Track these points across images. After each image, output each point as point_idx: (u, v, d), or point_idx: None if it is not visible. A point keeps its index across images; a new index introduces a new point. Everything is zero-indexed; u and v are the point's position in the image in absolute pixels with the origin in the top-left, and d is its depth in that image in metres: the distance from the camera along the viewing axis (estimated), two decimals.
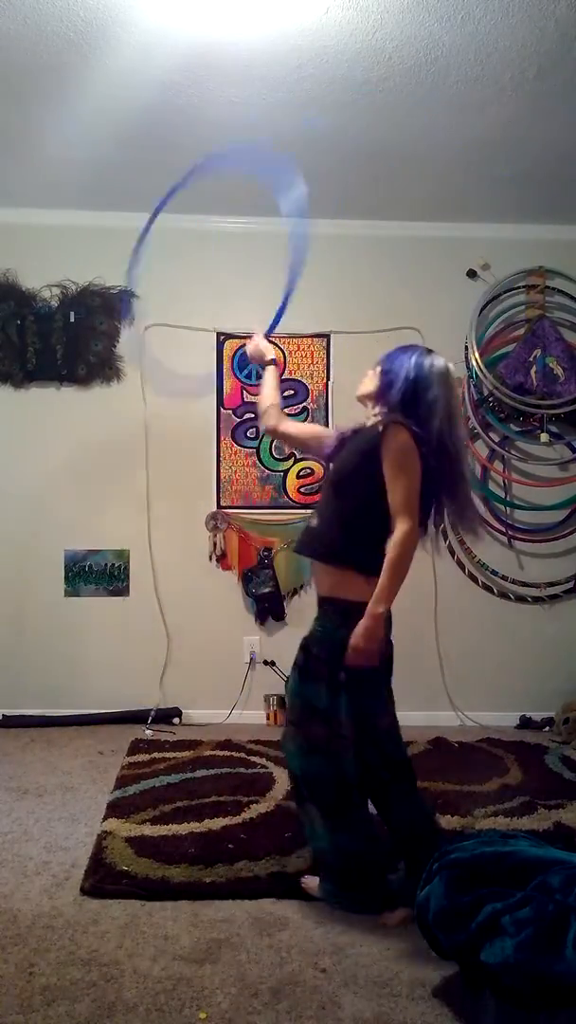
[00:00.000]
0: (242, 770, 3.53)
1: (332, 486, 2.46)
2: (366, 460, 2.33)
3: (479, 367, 4.33)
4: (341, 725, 2.32)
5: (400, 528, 2.23)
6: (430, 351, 2.47)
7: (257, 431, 4.49)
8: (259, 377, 4.41)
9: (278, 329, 4.41)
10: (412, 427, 2.32)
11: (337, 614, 2.34)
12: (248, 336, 4.57)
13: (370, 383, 2.50)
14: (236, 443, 4.49)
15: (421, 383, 2.37)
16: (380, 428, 2.33)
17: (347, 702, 2.32)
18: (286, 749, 2.47)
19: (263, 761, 3.65)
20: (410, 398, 2.37)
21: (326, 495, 2.51)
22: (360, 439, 2.42)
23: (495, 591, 4.53)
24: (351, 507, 2.36)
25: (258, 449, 4.49)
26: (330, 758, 2.33)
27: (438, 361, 2.42)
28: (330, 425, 4.47)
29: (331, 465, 2.55)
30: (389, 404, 2.41)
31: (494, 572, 4.50)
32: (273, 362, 2.88)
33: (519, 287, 4.51)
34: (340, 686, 2.31)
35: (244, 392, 4.49)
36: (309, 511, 4.44)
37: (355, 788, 2.36)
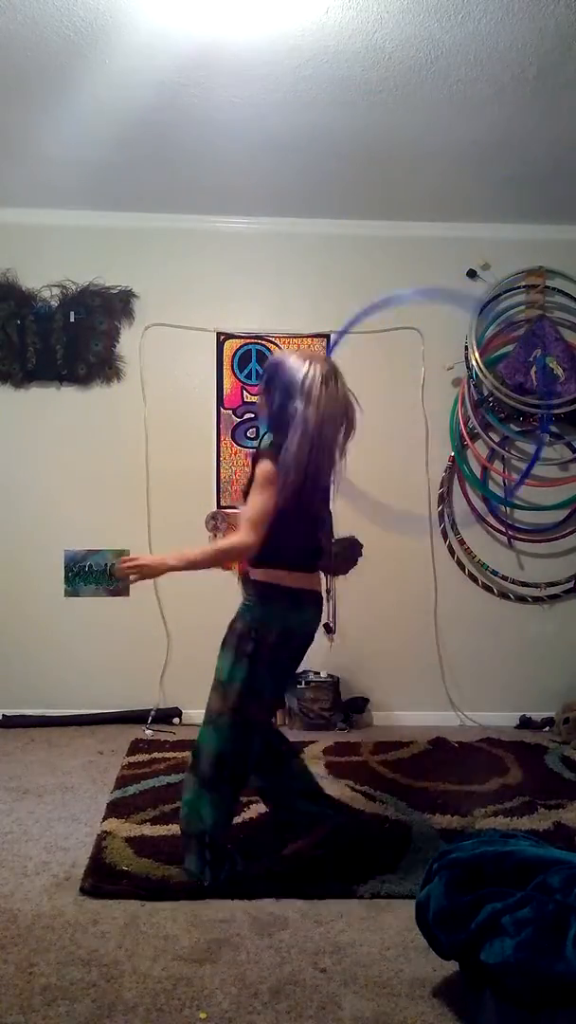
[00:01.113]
0: None
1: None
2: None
3: (479, 367, 4.33)
4: (233, 699, 2.49)
5: (237, 535, 2.47)
6: (308, 358, 2.52)
7: (257, 431, 4.49)
8: (259, 377, 4.47)
9: (277, 329, 4.47)
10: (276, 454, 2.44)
11: (252, 594, 2.61)
12: (249, 336, 4.59)
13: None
14: (236, 443, 4.49)
15: (290, 395, 2.46)
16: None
17: (246, 676, 2.49)
18: None
19: None
20: (279, 412, 2.49)
21: None
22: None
23: (495, 591, 4.53)
24: None
25: None
26: (216, 731, 2.51)
27: (313, 369, 2.46)
28: None
29: None
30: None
31: (494, 572, 4.50)
32: None
33: (519, 287, 4.51)
34: (245, 657, 2.49)
35: (244, 392, 4.49)
36: None
37: (234, 766, 2.51)
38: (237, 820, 2.94)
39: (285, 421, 2.45)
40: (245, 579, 2.65)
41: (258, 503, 2.44)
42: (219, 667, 2.56)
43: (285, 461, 2.41)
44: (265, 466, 2.46)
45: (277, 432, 2.48)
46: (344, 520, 4.35)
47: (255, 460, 2.52)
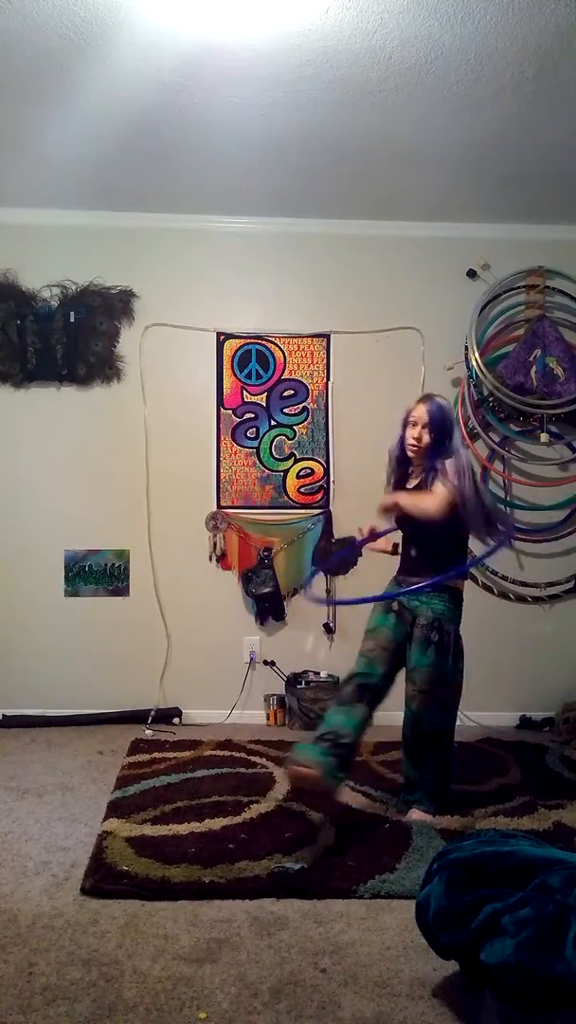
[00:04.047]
0: (242, 770, 3.53)
1: None
2: None
3: (479, 367, 4.33)
4: None
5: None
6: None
7: (257, 431, 4.49)
8: (259, 377, 4.47)
9: (277, 329, 4.47)
10: None
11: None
12: (249, 336, 4.60)
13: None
14: (236, 443, 4.49)
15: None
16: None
17: None
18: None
19: (263, 761, 3.65)
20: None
21: None
22: None
23: (495, 591, 4.53)
24: None
25: (258, 449, 4.49)
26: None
27: None
28: (330, 424, 4.47)
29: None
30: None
31: (494, 572, 4.50)
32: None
33: (519, 287, 4.51)
34: None
35: (244, 392, 4.49)
36: (309, 511, 4.47)
37: None
38: (237, 819, 2.95)
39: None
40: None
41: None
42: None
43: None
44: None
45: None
46: (344, 521, 4.36)
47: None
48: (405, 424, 3.11)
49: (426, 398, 3.12)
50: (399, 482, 3.19)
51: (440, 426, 3.04)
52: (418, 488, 3.08)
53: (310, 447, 4.50)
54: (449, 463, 2.99)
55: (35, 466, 4.42)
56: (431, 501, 2.97)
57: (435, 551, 3.08)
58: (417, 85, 3.13)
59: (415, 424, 3.07)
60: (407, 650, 3.06)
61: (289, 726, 4.30)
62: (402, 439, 3.12)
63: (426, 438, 3.04)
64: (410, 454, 3.10)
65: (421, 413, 3.06)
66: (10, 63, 3.00)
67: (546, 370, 4.31)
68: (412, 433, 3.07)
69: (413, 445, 3.07)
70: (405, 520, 3.10)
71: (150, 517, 4.43)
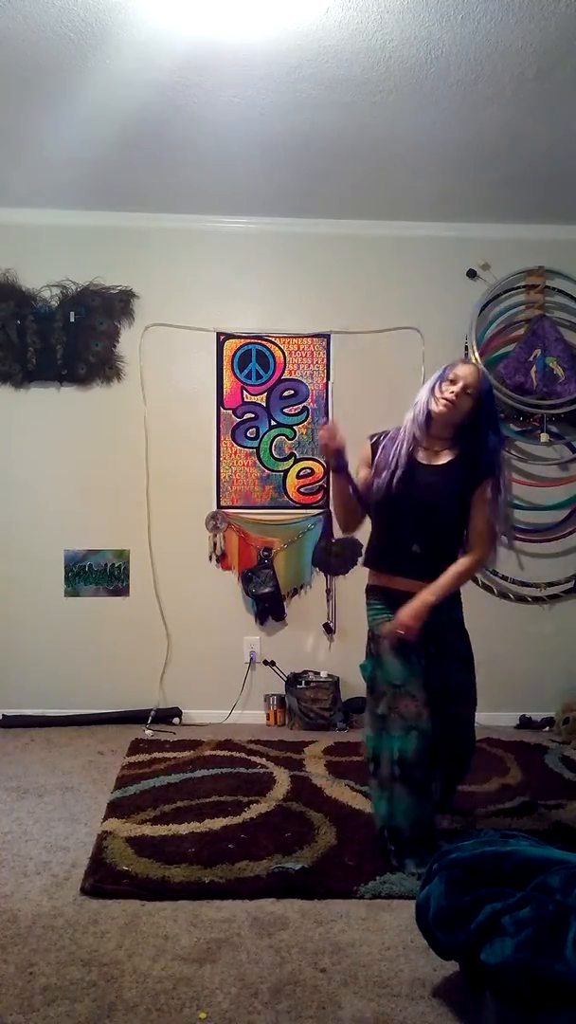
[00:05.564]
0: (242, 770, 3.53)
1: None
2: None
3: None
4: None
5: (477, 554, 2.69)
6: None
7: (257, 431, 4.49)
8: (259, 377, 4.47)
9: (276, 329, 4.47)
10: None
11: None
12: (249, 336, 4.59)
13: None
14: (236, 443, 4.49)
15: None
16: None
17: None
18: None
19: (263, 761, 3.65)
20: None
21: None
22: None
23: (495, 591, 4.52)
24: None
25: (258, 449, 4.49)
26: None
27: None
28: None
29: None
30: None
31: (494, 572, 4.50)
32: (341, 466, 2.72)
33: (519, 287, 4.51)
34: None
35: (244, 392, 4.49)
36: (309, 511, 4.46)
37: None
38: (237, 819, 2.96)
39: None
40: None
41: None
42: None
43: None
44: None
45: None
46: None
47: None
48: (441, 379, 2.64)
49: (471, 362, 2.73)
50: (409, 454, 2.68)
51: (486, 399, 2.64)
52: (442, 466, 2.65)
53: (310, 447, 4.50)
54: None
55: (35, 466, 4.42)
56: (480, 550, 2.64)
57: (448, 549, 2.67)
58: (417, 85, 3.13)
59: (455, 382, 2.60)
60: (433, 667, 2.67)
61: (289, 726, 4.30)
62: (431, 393, 2.64)
63: (465, 404, 2.60)
64: (441, 408, 2.60)
65: (470, 373, 2.61)
66: (10, 63, 3.00)
67: (546, 370, 4.31)
68: (452, 388, 2.59)
69: (448, 401, 2.59)
70: (408, 503, 2.62)
71: (150, 517, 4.43)
